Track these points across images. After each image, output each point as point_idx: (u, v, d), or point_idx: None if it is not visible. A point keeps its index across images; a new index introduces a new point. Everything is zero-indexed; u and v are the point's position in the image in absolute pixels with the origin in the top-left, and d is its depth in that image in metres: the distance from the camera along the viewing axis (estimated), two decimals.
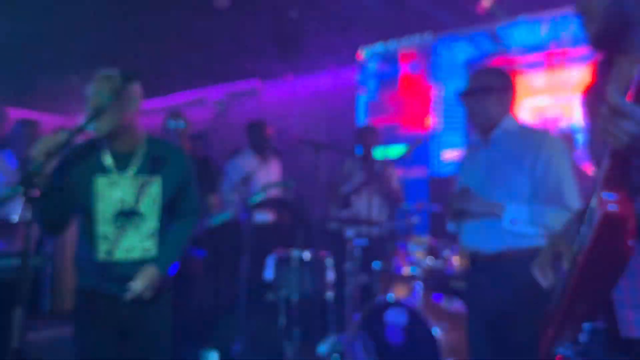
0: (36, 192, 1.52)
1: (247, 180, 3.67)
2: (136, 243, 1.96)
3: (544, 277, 1.48)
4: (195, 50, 5.92)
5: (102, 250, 1.92)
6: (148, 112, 4.96)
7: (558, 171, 2.06)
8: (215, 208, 3.34)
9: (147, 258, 1.98)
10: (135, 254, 1.96)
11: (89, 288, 1.96)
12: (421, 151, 5.21)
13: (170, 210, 2.07)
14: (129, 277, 1.94)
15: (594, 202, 1.10)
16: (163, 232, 2.05)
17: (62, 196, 1.85)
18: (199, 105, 7.98)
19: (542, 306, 2.07)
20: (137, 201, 1.95)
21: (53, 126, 5.50)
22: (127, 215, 1.94)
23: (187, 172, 2.11)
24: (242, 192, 3.48)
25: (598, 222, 1.02)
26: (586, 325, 1.16)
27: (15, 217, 3.12)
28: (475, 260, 2.22)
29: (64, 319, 3.12)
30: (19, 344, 1.50)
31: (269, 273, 3.92)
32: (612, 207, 1.01)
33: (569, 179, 2.07)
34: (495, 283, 2.12)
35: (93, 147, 1.95)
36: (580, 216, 1.41)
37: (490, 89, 2.16)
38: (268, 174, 4.05)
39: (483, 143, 2.25)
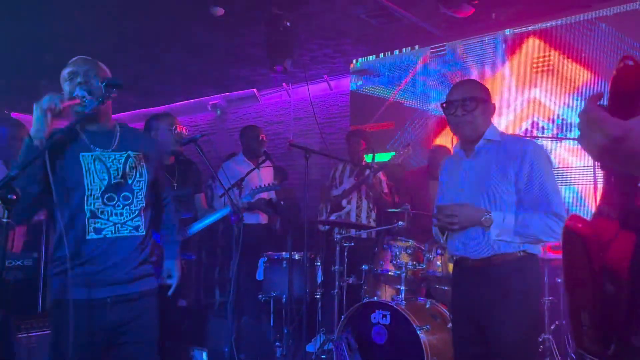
0: (13, 196, 1.46)
1: (239, 183, 3.76)
2: (127, 219, 1.92)
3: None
4: (194, 58, 6.05)
5: (91, 229, 1.87)
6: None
7: (541, 178, 2.09)
8: (203, 208, 3.42)
9: (135, 236, 1.95)
10: (125, 231, 1.92)
11: (71, 299, 1.82)
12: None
13: (153, 191, 2.07)
14: (117, 256, 1.89)
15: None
16: (151, 220, 2.03)
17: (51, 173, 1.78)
18: (198, 111, 8.11)
19: (528, 310, 2.14)
20: (124, 174, 1.94)
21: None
22: (116, 188, 1.92)
23: (157, 154, 2.14)
24: (234, 194, 3.57)
25: (562, 237, 0.99)
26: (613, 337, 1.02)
27: None
28: (463, 265, 2.25)
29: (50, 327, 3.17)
30: None
31: (259, 274, 4.02)
32: (571, 222, 0.95)
33: (554, 185, 2.11)
34: (481, 286, 2.14)
35: (71, 131, 1.91)
36: None
37: (477, 99, 2.18)
38: (260, 179, 4.15)
39: (467, 153, 2.27)
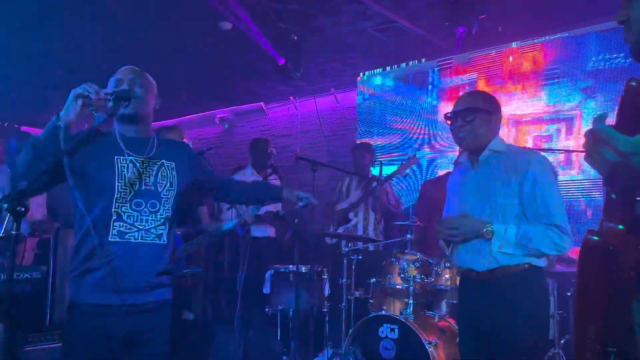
0: (22, 209, 1.46)
1: None
2: (151, 227, 1.92)
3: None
4: (204, 72, 6.11)
5: (115, 232, 1.86)
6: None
7: (545, 190, 2.08)
8: (206, 220, 3.42)
9: (157, 245, 1.93)
10: (148, 238, 1.90)
11: (87, 304, 1.84)
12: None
13: (181, 203, 2.06)
14: (138, 262, 1.88)
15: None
16: (174, 233, 2.02)
17: (77, 175, 1.79)
18: (206, 125, 8.17)
19: (533, 323, 2.12)
20: (155, 182, 1.94)
21: None
22: (145, 195, 1.91)
23: (195, 161, 2.16)
24: (241, 208, 3.58)
25: (580, 251, 1.03)
26: (609, 349, 1.10)
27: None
28: (468, 277, 2.24)
29: (62, 332, 3.18)
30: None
31: (266, 287, 4.00)
32: (591, 237, 0.99)
33: (557, 198, 2.10)
34: (486, 299, 2.13)
35: (108, 133, 1.95)
36: None
37: (477, 110, 2.19)
38: None
39: (472, 164, 2.27)
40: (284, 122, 7.45)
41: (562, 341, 3.50)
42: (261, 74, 6.07)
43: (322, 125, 6.13)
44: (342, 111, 6.81)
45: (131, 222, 1.88)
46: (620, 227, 1.00)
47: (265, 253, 4.23)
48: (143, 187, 1.92)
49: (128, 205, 1.88)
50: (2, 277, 2.78)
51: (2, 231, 1.47)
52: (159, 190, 1.95)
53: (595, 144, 0.94)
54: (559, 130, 4.71)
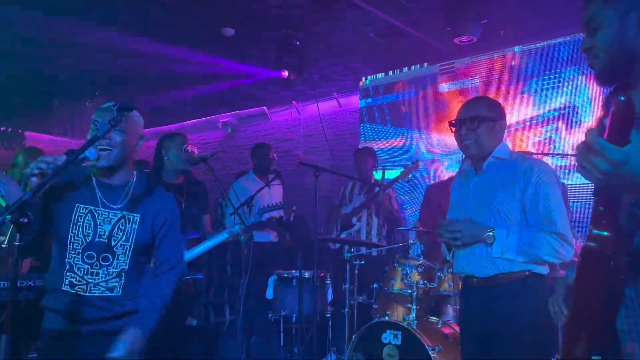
0: (25, 220, 1.46)
1: (249, 201, 3.77)
2: (101, 280, 1.88)
3: (558, 313, 1.45)
4: (205, 77, 6.12)
5: (67, 282, 1.84)
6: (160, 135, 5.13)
7: (547, 198, 2.08)
8: (207, 229, 3.43)
9: (109, 297, 1.89)
10: (97, 291, 1.87)
11: (54, 329, 1.86)
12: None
13: (144, 255, 1.99)
14: (89, 314, 1.86)
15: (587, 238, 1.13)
16: (137, 280, 1.95)
17: (45, 218, 1.81)
18: (208, 129, 8.19)
19: (534, 331, 2.12)
20: (110, 237, 1.89)
21: (67, 149, 5.67)
22: (97, 250, 1.87)
23: (171, 217, 2.03)
24: (244, 213, 3.58)
25: (579, 259, 1.07)
26: (593, 358, 1.13)
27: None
28: (469, 283, 2.24)
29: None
30: None
31: (269, 292, 4.00)
32: (590, 244, 1.04)
33: (559, 205, 2.10)
34: (487, 306, 2.13)
35: (87, 177, 1.92)
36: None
37: (481, 118, 2.19)
38: (270, 196, 4.16)
39: (475, 171, 2.26)
40: (286, 126, 7.46)
41: None
42: (264, 80, 6.08)
43: (324, 130, 6.13)
44: (345, 115, 6.82)
45: (81, 274, 1.86)
46: (605, 233, 1.06)
47: (268, 258, 4.23)
48: (96, 240, 1.87)
49: (79, 257, 1.86)
50: (3, 285, 2.78)
51: (6, 242, 1.47)
52: (112, 244, 1.90)
53: (588, 154, 0.99)
54: (557, 129, 4.71)
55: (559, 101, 4.72)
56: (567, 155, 4.54)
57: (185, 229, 3.12)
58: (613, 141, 0.96)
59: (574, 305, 1.15)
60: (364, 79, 6.15)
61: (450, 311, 3.53)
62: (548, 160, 4.40)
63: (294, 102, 7.13)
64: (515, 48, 4.99)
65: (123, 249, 1.91)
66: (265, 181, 4.26)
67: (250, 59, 5.48)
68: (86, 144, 1.76)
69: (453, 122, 2.27)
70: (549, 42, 4.78)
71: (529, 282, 2.09)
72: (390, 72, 5.92)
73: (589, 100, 4.53)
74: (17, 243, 1.43)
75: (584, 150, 1.00)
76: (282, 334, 4.01)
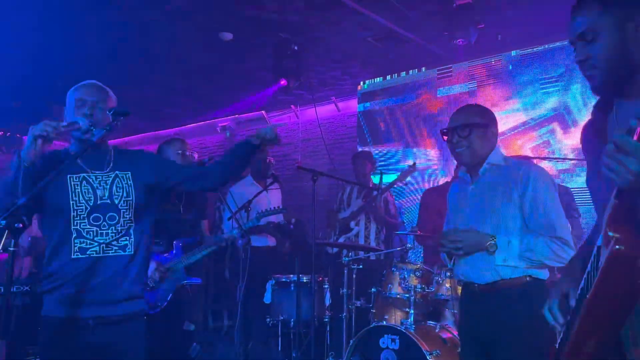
0: (20, 225, 1.48)
1: (247, 206, 3.77)
2: (112, 239, 1.93)
3: (553, 318, 1.43)
4: (204, 82, 6.14)
5: (76, 249, 1.89)
6: (159, 139, 5.14)
7: (545, 202, 2.08)
8: (206, 233, 3.43)
9: (122, 256, 1.95)
10: (110, 251, 1.93)
11: (56, 317, 1.89)
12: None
13: (146, 211, 2.06)
14: (102, 276, 1.91)
15: (600, 241, 1.10)
16: (143, 228, 2.03)
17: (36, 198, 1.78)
18: (207, 134, 8.19)
19: (535, 334, 2.12)
20: (111, 196, 1.96)
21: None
22: (102, 208, 1.93)
23: (157, 159, 2.19)
24: (241, 218, 3.58)
25: (605, 262, 1.03)
26: None
27: None
28: (469, 289, 2.24)
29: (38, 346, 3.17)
30: None
31: (267, 297, 3.99)
32: (619, 247, 1.01)
33: (557, 210, 2.10)
34: (488, 311, 2.13)
35: (66, 154, 1.98)
36: (582, 253, 1.41)
37: (473, 125, 2.17)
38: (268, 201, 4.16)
39: (471, 178, 2.27)
40: (285, 130, 7.46)
41: None
42: (262, 83, 6.09)
43: (322, 134, 6.14)
44: (343, 119, 6.83)
45: (91, 237, 1.91)
46: (630, 236, 1.02)
47: (266, 263, 4.23)
48: (98, 202, 1.94)
49: (86, 221, 1.91)
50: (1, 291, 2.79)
51: (0, 247, 1.48)
52: (115, 202, 1.96)
53: (618, 154, 0.98)
54: (553, 131, 4.73)
55: (552, 102, 4.74)
56: (565, 159, 4.54)
57: (183, 233, 3.13)
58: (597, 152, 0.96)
59: (588, 311, 1.12)
60: (362, 83, 6.17)
61: (448, 315, 3.53)
62: (547, 164, 4.40)
63: (292, 106, 7.13)
64: (513, 52, 5.00)
65: (126, 205, 1.98)
66: (263, 185, 4.26)
67: (248, 63, 5.49)
68: (83, 147, 1.85)
69: (445, 130, 2.27)
70: (545, 46, 4.80)
71: (529, 287, 2.10)
72: (389, 77, 5.93)
73: (583, 102, 4.54)
74: (11, 249, 1.43)
75: (614, 151, 0.99)
76: (280, 339, 4.00)
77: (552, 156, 4.62)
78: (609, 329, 1.11)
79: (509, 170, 2.19)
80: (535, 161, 3.86)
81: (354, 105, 6.44)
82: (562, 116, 4.68)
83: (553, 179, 2.26)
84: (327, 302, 4.05)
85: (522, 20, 4.45)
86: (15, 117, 7.24)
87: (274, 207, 3.80)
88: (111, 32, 4.77)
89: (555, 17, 4.35)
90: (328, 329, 3.99)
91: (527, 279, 2.10)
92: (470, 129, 2.19)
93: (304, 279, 3.91)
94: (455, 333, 3.29)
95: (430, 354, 3.03)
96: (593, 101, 1.40)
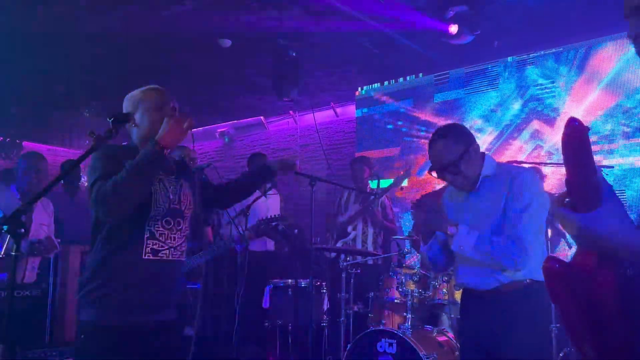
0: (22, 230, 1.47)
1: (245, 211, 3.79)
2: (178, 244, 1.98)
3: None
4: (203, 88, 6.17)
5: (148, 250, 1.89)
6: None
7: (522, 203, 2.09)
8: (209, 239, 3.45)
9: (180, 262, 2.01)
10: (176, 255, 1.97)
11: (112, 324, 1.83)
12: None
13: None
14: (170, 279, 1.95)
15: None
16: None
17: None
18: (206, 139, 8.22)
19: (535, 337, 2.14)
20: (179, 202, 2.00)
21: (65, 159, 5.69)
22: (174, 215, 1.97)
23: (201, 179, 2.25)
24: (240, 223, 3.60)
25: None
26: None
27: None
28: (469, 294, 2.26)
29: (63, 350, 3.16)
30: None
31: (265, 301, 4.01)
32: (548, 264, 1.03)
33: (532, 212, 2.09)
34: (488, 315, 2.15)
35: (134, 150, 1.96)
36: None
37: (457, 160, 2.15)
38: (267, 206, 4.18)
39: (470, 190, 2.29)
40: (283, 136, 7.50)
41: (560, 354, 3.49)
42: (261, 89, 6.13)
43: (321, 139, 6.17)
44: (341, 125, 6.87)
45: (163, 240, 1.94)
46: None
47: (264, 267, 4.25)
48: (171, 206, 1.97)
49: (159, 223, 1.93)
50: (2, 295, 2.79)
51: (3, 251, 1.47)
52: (182, 208, 2.01)
53: (559, 222, 1.03)
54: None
55: (549, 107, 4.77)
56: (560, 164, 4.55)
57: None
58: (573, 176, 0.99)
59: (563, 319, 1.13)
60: (360, 88, 6.20)
61: (445, 320, 3.55)
62: (549, 168, 4.39)
63: (290, 111, 7.17)
64: (509, 58, 5.05)
65: (188, 212, 2.04)
66: (261, 190, 4.27)
67: (247, 69, 5.53)
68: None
69: (431, 172, 2.27)
70: (541, 52, 4.84)
71: (528, 289, 2.12)
72: (386, 82, 5.97)
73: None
74: (13, 253, 1.45)
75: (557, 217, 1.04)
76: (278, 343, 4.02)
77: (548, 160, 4.64)
78: (593, 333, 1.08)
79: (499, 178, 2.21)
80: (532, 165, 3.89)
81: (352, 110, 6.47)
82: (559, 121, 4.71)
83: (540, 184, 2.27)
84: (325, 306, 4.06)
85: (519, 26, 4.50)
86: (13, 123, 7.28)
87: (273, 215, 3.81)
88: (109, 39, 4.80)
89: (550, 25, 4.43)
90: (326, 333, 4.00)
91: (527, 281, 2.11)
92: (456, 164, 2.17)
93: (302, 284, 3.93)
94: (452, 337, 3.31)
95: (427, 358, 3.04)
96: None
